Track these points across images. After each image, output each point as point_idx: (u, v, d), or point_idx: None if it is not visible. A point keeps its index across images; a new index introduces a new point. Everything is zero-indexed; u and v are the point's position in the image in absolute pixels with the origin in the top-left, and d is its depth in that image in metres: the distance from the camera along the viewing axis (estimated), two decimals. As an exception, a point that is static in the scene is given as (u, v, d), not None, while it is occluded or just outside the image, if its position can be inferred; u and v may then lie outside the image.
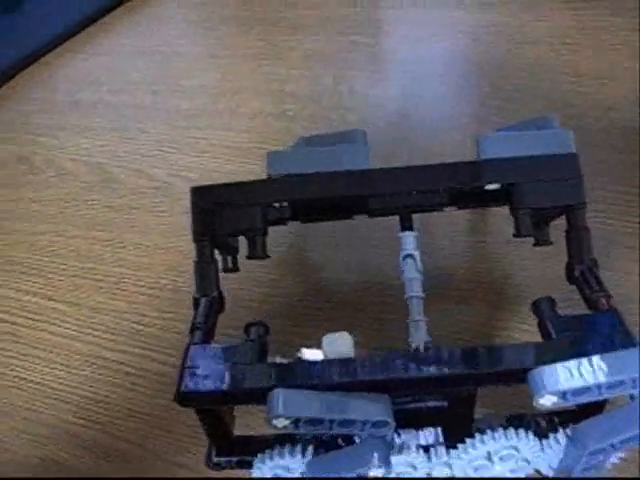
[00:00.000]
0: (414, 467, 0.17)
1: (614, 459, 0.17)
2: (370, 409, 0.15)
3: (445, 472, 0.17)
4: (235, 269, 0.20)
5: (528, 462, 0.17)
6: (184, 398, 0.16)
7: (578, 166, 0.19)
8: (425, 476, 0.17)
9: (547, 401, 0.15)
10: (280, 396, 0.15)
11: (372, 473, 0.15)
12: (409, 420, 0.17)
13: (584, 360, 0.15)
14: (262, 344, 0.18)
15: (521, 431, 0.17)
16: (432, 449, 0.17)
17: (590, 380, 0.14)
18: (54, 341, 0.27)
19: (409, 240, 0.20)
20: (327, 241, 0.26)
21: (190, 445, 0.21)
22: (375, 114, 0.31)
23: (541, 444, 0.17)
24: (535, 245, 0.20)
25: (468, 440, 0.17)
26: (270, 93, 0.34)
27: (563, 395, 0.15)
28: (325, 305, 0.25)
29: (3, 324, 0.28)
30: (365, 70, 0.34)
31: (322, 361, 0.16)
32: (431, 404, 0.17)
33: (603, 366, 0.14)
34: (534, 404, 0.15)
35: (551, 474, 0.17)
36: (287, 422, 0.15)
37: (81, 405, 0.24)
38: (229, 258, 0.20)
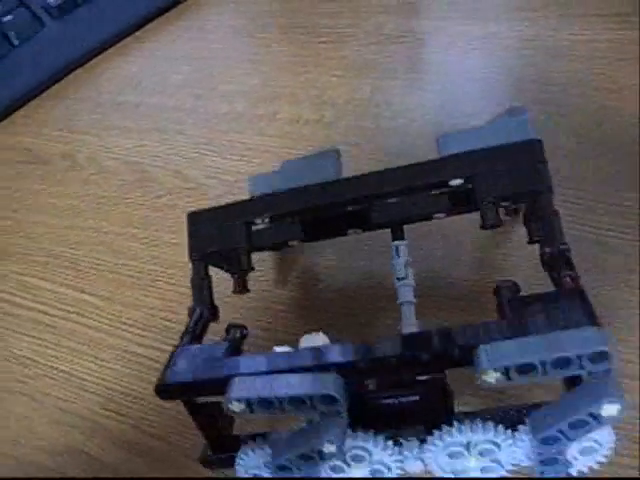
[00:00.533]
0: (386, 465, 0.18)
1: (583, 468, 0.17)
2: (316, 385, 0.15)
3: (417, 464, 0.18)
4: (243, 290, 0.22)
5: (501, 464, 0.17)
6: (159, 391, 0.18)
7: (541, 152, 0.19)
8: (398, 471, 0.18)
9: (490, 378, 0.15)
10: (234, 382, 0.16)
11: (326, 449, 0.16)
12: (387, 420, 0.18)
13: (532, 337, 0.14)
14: (237, 343, 0.20)
15: (500, 427, 0.16)
16: (405, 443, 0.17)
17: (534, 357, 0.14)
18: (87, 333, 0.27)
19: (400, 249, 0.21)
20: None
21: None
22: (411, 124, 0.31)
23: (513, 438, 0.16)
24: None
25: (444, 427, 0.17)
26: (308, 100, 0.35)
27: (506, 371, 0.14)
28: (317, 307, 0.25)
29: (40, 314, 0.29)
30: (403, 80, 0.34)
31: (281, 352, 0.17)
32: (405, 400, 0.17)
33: (551, 343, 0.14)
34: (478, 382, 0.15)
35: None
36: (242, 405, 0.16)
37: (110, 398, 0.25)
38: (239, 280, 0.22)
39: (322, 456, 0.16)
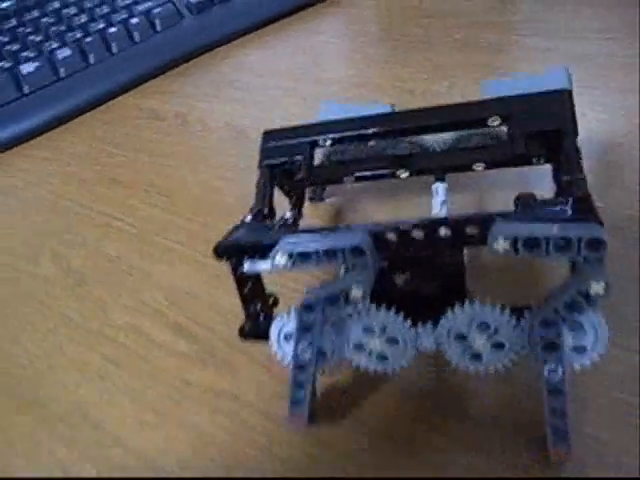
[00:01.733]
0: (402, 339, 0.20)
1: (576, 365, 0.19)
2: (348, 238, 0.18)
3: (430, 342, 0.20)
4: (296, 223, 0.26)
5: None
6: (216, 250, 0.21)
7: (570, 100, 0.21)
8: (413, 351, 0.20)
9: (499, 246, 0.17)
10: (282, 239, 0.19)
11: (353, 292, 0.19)
12: (407, 303, 0.20)
13: (542, 222, 0.17)
14: (289, 226, 0.23)
15: (507, 310, 0.19)
16: (421, 324, 0.20)
17: (541, 233, 0.16)
18: (167, 245, 0.32)
19: (440, 189, 0.24)
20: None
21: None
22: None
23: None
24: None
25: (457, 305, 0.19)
26: (391, 88, 0.39)
27: (514, 242, 0.17)
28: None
29: (131, 227, 0.34)
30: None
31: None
32: (424, 284, 0.20)
33: (557, 227, 0.16)
34: (488, 251, 0.17)
35: None
36: (284, 259, 0.19)
37: (175, 294, 0.29)
38: (296, 201, 0.26)
39: (348, 300, 0.19)
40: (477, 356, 0.20)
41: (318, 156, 0.27)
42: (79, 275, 0.32)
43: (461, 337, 0.20)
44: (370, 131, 0.24)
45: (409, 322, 0.20)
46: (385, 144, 0.27)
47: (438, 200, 0.25)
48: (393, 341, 0.20)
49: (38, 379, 0.28)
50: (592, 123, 0.32)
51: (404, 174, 0.26)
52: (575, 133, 0.21)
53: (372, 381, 0.23)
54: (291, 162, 0.25)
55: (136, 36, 0.48)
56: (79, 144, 0.43)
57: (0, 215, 0.38)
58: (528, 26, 0.42)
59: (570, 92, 0.22)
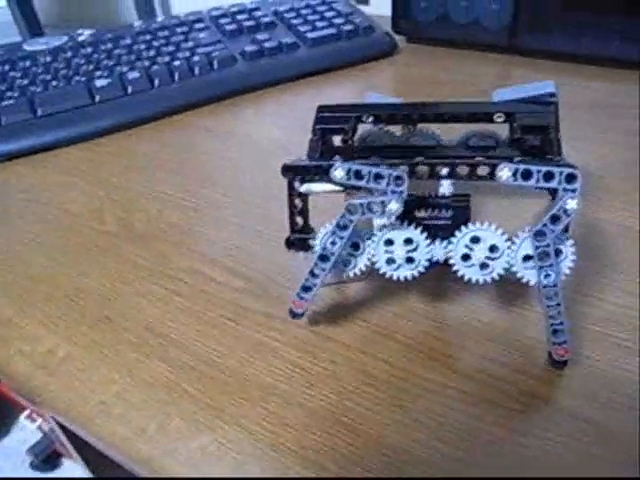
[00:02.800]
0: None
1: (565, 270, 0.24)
2: (392, 168, 0.24)
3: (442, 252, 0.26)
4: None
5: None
6: (284, 169, 0.27)
7: (556, 106, 0.28)
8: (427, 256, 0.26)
9: (503, 174, 0.23)
10: (338, 162, 0.25)
11: (391, 205, 0.24)
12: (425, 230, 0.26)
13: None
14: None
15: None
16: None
17: (535, 167, 0.23)
18: (209, 211, 0.37)
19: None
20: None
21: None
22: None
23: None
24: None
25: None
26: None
27: (515, 172, 0.23)
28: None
29: (187, 202, 0.39)
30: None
31: None
32: (440, 219, 0.26)
33: (545, 166, 0.23)
34: (495, 177, 0.23)
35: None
36: (342, 173, 0.24)
37: (235, 256, 0.34)
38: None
39: (384, 211, 0.24)
40: (474, 264, 0.25)
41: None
42: (142, 233, 0.37)
43: (468, 246, 0.25)
44: (402, 113, 0.30)
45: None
46: (408, 135, 0.33)
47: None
48: (413, 247, 0.26)
49: (105, 302, 0.32)
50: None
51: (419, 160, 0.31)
52: (557, 129, 0.28)
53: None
54: (340, 129, 0.30)
55: (196, 70, 0.56)
56: (142, 145, 0.48)
57: (69, 189, 0.43)
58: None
59: (556, 102, 0.29)
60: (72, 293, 0.32)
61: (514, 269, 0.25)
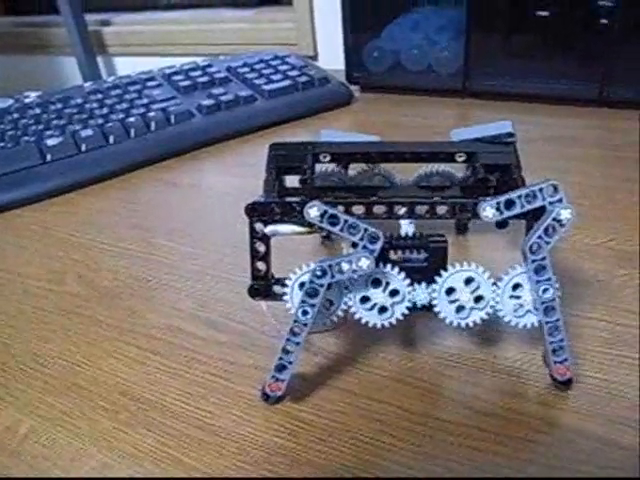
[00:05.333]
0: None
1: None
2: (368, 224, 0.23)
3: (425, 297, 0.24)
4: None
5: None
6: (247, 209, 0.25)
7: (514, 142, 0.28)
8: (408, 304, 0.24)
9: (488, 212, 0.22)
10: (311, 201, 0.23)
11: (362, 263, 0.22)
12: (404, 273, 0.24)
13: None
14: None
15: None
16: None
17: (514, 195, 0.22)
18: (203, 272, 0.35)
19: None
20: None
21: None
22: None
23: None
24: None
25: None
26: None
27: (498, 206, 0.22)
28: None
29: (154, 257, 0.37)
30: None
31: None
32: (414, 261, 0.25)
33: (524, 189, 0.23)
34: (482, 218, 0.23)
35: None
36: (318, 213, 0.22)
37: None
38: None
39: (356, 270, 0.23)
40: (462, 308, 0.24)
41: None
42: (108, 291, 0.34)
43: (451, 291, 0.24)
44: (361, 152, 0.29)
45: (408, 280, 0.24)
46: (362, 177, 0.32)
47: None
48: (395, 293, 0.24)
49: (71, 368, 0.28)
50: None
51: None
52: (519, 168, 0.27)
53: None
54: (297, 168, 0.29)
55: (152, 126, 0.54)
56: (100, 202, 0.46)
57: (22, 251, 0.39)
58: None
59: (513, 134, 0.28)
60: (32, 361, 0.29)
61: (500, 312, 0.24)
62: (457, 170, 0.31)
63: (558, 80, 0.55)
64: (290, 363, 0.23)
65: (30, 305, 0.33)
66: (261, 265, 0.26)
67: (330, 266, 0.22)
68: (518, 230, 0.25)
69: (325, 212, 0.23)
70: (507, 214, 0.22)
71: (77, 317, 0.32)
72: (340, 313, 0.24)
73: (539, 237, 0.22)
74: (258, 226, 0.25)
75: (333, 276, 0.23)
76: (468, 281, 0.23)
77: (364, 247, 0.22)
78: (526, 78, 0.57)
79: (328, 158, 0.29)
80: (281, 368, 0.24)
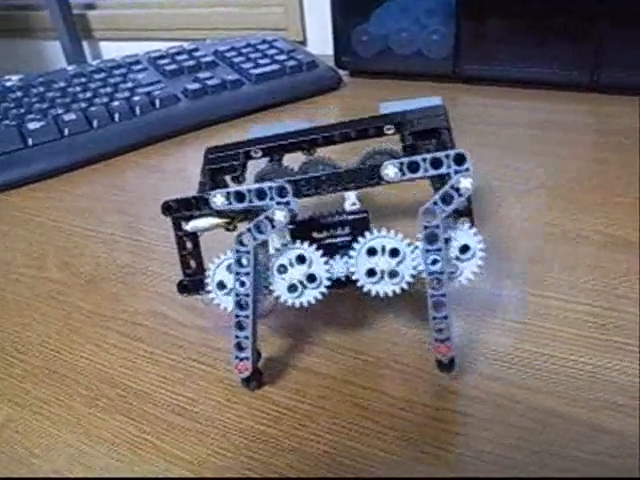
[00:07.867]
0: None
1: (469, 274, 0.23)
2: (275, 182, 0.22)
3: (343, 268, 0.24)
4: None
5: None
6: (163, 210, 0.25)
7: (445, 110, 0.27)
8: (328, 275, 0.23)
9: (390, 171, 0.22)
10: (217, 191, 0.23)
11: (276, 216, 0.22)
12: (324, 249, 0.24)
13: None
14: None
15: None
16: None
17: (419, 157, 0.22)
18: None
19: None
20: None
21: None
22: None
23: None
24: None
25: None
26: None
27: (401, 166, 0.22)
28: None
29: (136, 242, 0.36)
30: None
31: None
32: (341, 238, 0.24)
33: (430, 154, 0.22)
34: (383, 178, 0.22)
35: None
36: (222, 198, 0.23)
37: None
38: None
39: (273, 224, 0.22)
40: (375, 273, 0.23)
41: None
42: (90, 277, 0.33)
43: (370, 252, 0.23)
44: (290, 142, 0.28)
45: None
46: (304, 168, 0.31)
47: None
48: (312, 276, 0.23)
49: (51, 355, 0.28)
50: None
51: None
52: (450, 131, 0.27)
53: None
54: (230, 167, 0.28)
55: (137, 110, 0.53)
56: (83, 187, 0.45)
57: (2, 237, 0.39)
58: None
59: (443, 106, 0.28)
60: (10, 348, 0.28)
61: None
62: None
63: (549, 65, 0.55)
64: (247, 338, 0.23)
65: (10, 291, 0.33)
66: (191, 262, 0.26)
67: (249, 229, 0.22)
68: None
69: (228, 194, 0.23)
70: (409, 176, 0.22)
71: (58, 304, 0.31)
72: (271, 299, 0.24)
73: (434, 203, 0.22)
74: (182, 223, 0.25)
75: (255, 238, 0.22)
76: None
77: (278, 203, 0.22)
78: (517, 63, 0.56)
79: (260, 154, 0.28)
80: (240, 346, 0.23)
